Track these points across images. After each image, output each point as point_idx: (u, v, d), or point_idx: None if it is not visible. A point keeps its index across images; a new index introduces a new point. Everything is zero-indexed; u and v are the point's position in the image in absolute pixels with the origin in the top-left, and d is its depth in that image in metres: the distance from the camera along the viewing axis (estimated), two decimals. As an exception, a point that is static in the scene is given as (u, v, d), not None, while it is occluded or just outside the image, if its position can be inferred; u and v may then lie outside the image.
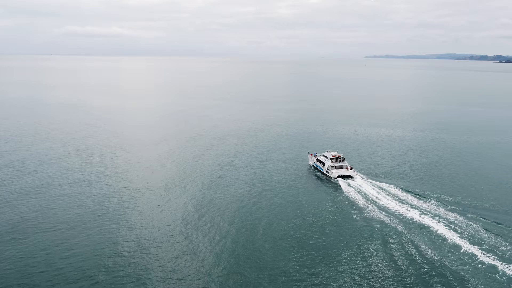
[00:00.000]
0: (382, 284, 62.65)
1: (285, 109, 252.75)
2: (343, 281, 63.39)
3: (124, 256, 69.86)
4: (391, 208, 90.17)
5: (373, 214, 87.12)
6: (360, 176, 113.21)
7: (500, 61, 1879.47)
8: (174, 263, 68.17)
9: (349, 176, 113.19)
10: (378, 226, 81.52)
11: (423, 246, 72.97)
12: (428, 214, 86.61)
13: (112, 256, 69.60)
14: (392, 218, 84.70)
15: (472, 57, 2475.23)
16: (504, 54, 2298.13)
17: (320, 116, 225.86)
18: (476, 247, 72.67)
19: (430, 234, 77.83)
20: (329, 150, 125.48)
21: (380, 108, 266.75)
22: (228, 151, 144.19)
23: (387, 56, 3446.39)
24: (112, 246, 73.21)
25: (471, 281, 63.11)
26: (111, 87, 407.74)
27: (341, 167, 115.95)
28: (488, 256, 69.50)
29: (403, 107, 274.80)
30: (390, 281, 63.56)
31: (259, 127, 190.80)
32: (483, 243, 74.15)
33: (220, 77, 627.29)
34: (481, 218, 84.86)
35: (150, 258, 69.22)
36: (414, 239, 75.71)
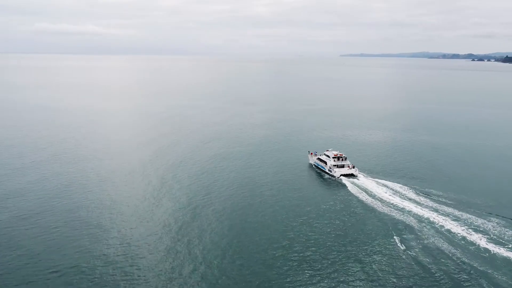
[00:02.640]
0: (404, 282, 63.72)
1: (274, 110, 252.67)
2: (363, 280, 64.34)
3: (104, 271, 65.45)
4: (400, 205, 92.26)
5: (383, 212, 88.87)
6: (363, 175, 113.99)
7: (473, 60, 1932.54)
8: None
9: (352, 175, 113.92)
10: (390, 223, 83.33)
11: (437, 242, 74.99)
12: (438, 211, 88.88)
13: (89, 273, 64.78)
14: (403, 215, 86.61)
15: (444, 56, 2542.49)
16: (475, 52, 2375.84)
17: (311, 116, 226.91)
18: (487, 240, 75.57)
19: (443, 230, 79.97)
20: (330, 149, 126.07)
21: (368, 108, 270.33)
22: (221, 154, 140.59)
23: (362, 55, 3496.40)
24: (90, 261, 68.11)
25: (489, 273, 65.19)
26: (87, 87, 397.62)
27: (343, 166, 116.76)
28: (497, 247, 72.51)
29: (392, 107, 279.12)
30: (414, 278, 64.96)
31: (250, 128, 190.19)
32: (492, 235, 77.02)
33: (199, 76, 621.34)
34: (484, 212, 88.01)
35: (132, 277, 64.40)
36: (427, 235, 77.73)
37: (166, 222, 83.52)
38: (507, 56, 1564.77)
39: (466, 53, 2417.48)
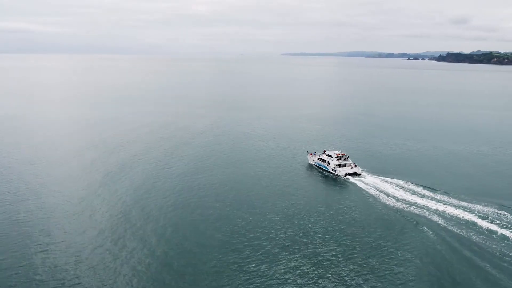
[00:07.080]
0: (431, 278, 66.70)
1: (252, 115, 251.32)
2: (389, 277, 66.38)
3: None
4: (414, 201, 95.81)
5: (401, 208, 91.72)
6: (366, 173, 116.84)
7: (408, 59, 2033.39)
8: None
9: (355, 174, 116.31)
10: (413, 218, 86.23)
11: (462, 233, 79.19)
12: (459, 207, 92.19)
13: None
14: (423, 211, 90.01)
15: (380, 55, 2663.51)
16: (407, 51, 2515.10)
17: (291, 118, 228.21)
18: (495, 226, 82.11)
19: (467, 223, 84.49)
20: (330, 149, 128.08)
21: (333, 108, 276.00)
22: (197, 165, 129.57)
23: (302, 54, 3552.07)
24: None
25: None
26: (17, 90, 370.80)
27: (345, 165, 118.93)
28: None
29: (361, 106, 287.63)
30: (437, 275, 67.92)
31: (235, 133, 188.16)
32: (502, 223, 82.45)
33: (145, 76, 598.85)
34: (489, 203, 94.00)
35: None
36: (453, 230, 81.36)
37: (161, 232, 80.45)
38: (440, 55, 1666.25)
39: (400, 52, 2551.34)
